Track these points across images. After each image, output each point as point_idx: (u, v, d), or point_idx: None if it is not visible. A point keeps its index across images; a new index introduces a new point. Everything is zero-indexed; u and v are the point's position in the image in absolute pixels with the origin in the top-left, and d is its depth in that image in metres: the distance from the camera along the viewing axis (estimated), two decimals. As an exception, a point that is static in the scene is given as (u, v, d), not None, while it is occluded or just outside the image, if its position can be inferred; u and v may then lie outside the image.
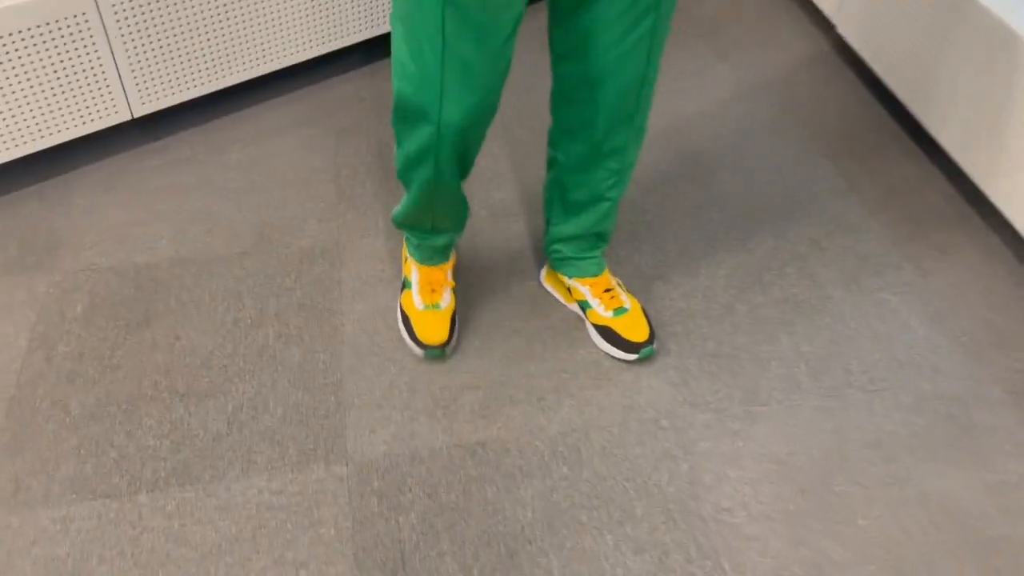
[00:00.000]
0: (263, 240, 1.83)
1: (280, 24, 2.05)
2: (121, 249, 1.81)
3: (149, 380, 1.57)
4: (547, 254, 1.63)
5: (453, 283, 1.62)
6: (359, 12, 2.15)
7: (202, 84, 2.02)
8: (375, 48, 2.30)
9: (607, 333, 1.56)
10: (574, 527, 1.34)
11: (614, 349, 1.55)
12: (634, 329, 1.55)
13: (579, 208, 1.48)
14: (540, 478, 1.41)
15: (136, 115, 1.97)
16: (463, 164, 1.35)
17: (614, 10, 1.17)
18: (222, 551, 1.33)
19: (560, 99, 1.35)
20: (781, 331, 1.63)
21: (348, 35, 2.17)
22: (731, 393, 1.52)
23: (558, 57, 1.30)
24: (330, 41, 2.15)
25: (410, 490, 1.39)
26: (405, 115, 1.28)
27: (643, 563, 1.30)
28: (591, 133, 1.34)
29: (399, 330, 1.62)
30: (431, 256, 1.59)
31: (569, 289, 1.61)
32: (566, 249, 1.57)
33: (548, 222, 1.56)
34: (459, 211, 1.50)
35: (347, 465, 1.43)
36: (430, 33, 1.12)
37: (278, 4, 2.01)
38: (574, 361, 1.58)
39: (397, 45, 1.21)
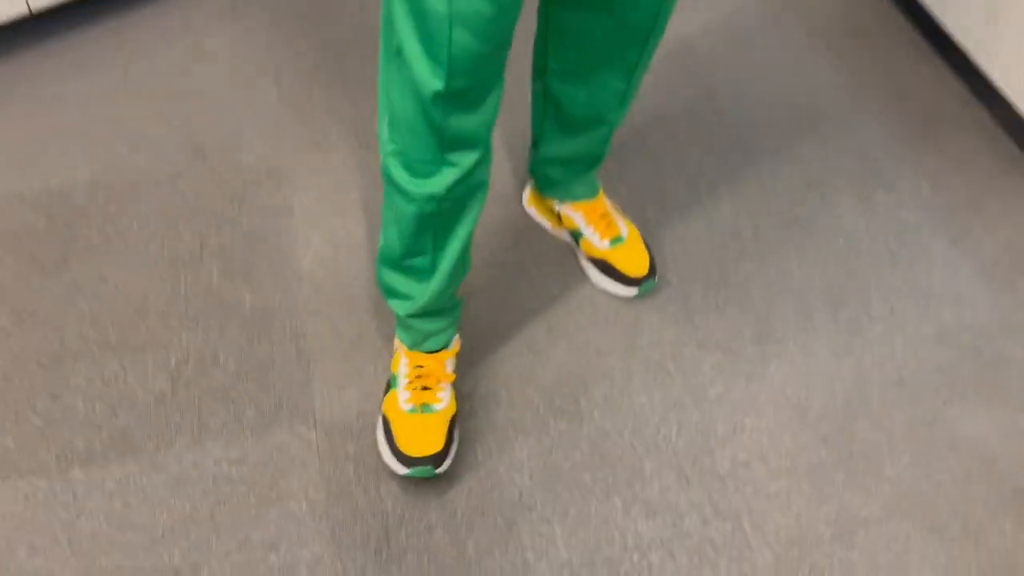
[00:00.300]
0: (197, 158, 1.58)
1: None
2: (26, 173, 1.54)
3: (73, 331, 1.35)
4: (531, 173, 1.43)
5: (453, 376, 1.24)
6: None
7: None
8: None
9: (603, 266, 1.38)
10: (577, 490, 1.20)
11: (612, 284, 1.38)
12: (633, 261, 1.37)
13: (575, 129, 1.26)
14: (536, 435, 1.25)
15: (35, 9, 1.66)
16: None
17: None
18: (176, 534, 1.15)
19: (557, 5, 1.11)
20: (792, 256, 1.47)
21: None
22: (741, 330, 1.38)
23: None
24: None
25: (390, 454, 1.22)
26: (398, 67, 0.97)
27: (656, 527, 1.17)
28: (595, 45, 1.12)
29: (375, 442, 1.22)
30: (424, 336, 1.21)
31: (559, 216, 1.42)
32: (556, 172, 1.37)
33: (536, 140, 1.35)
34: (478, 202, 1.12)
35: (315, 427, 1.25)
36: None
37: None
38: (566, 298, 1.41)
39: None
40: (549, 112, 1.26)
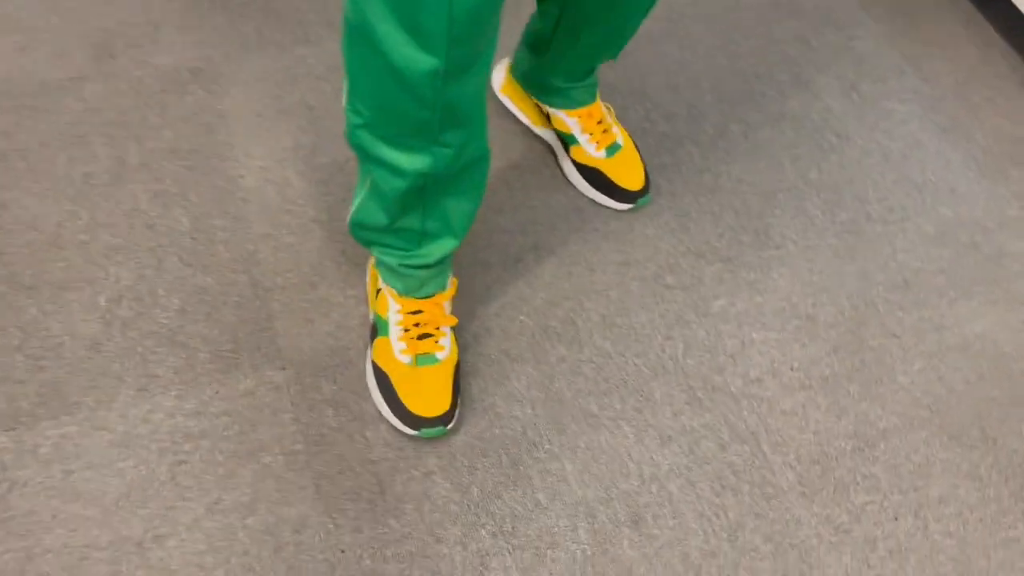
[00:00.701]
0: (104, 57, 1.34)
1: None
2: None
3: (-24, 271, 1.13)
4: (520, 74, 1.26)
5: (455, 320, 1.07)
6: None
7: None
8: None
9: (595, 176, 1.25)
10: (585, 421, 1.10)
11: (604, 197, 1.25)
12: (629, 172, 1.24)
13: (588, 50, 1.10)
14: (533, 363, 1.13)
15: None
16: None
17: None
18: (132, 501, 1.00)
19: None
20: (784, 155, 1.37)
21: None
22: (739, 236, 1.28)
23: None
24: None
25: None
26: (369, 35, 0.75)
27: (672, 455, 1.08)
28: None
29: (370, 397, 1.07)
30: (422, 283, 1.04)
31: (548, 116, 1.26)
32: (560, 79, 1.20)
33: (532, 50, 1.18)
34: (477, 183, 0.96)
35: (284, 368, 1.10)
36: None
37: None
38: (549, 208, 1.27)
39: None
40: (561, 35, 1.08)
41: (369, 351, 1.08)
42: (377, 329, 1.08)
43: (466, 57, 0.77)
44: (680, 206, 1.29)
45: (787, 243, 1.28)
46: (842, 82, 1.47)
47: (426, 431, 1.02)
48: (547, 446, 1.07)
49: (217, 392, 1.07)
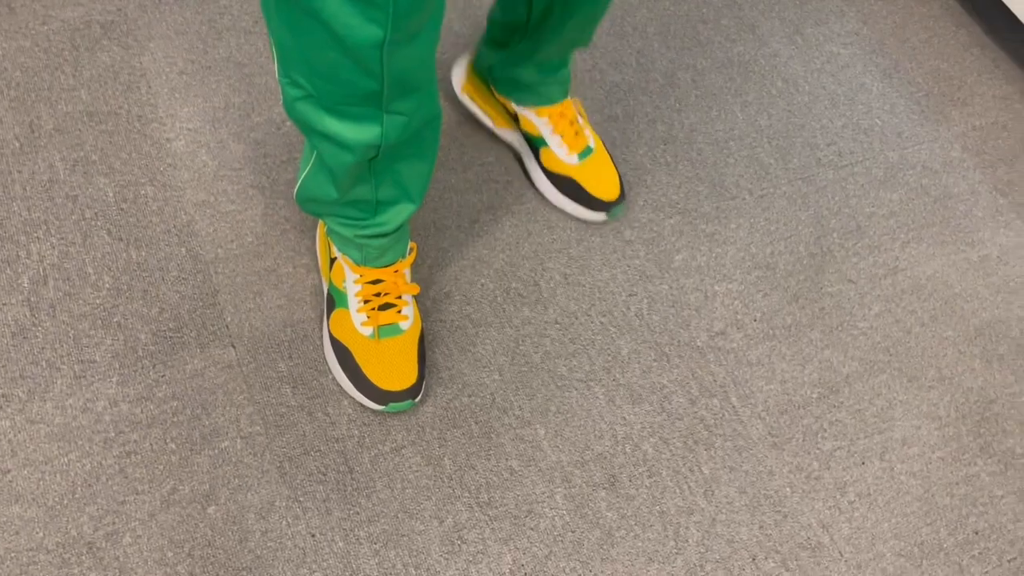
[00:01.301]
0: (4, 7, 1.21)
1: None
2: None
3: None
4: (483, 70, 1.15)
5: (417, 288, 1.01)
6: None
7: None
8: None
9: (567, 185, 1.16)
10: (554, 384, 1.07)
11: (577, 207, 1.16)
12: (602, 179, 1.16)
13: (565, 30, 1.00)
14: (497, 327, 1.09)
15: None
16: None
17: None
18: (78, 499, 0.92)
19: None
20: (734, 102, 1.35)
21: None
22: (695, 187, 1.25)
23: None
24: None
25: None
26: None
27: (644, 414, 1.07)
28: None
29: (330, 372, 1.02)
30: (380, 251, 0.98)
31: (515, 116, 1.17)
32: (529, 74, 1.09)
33: (502, 40, 1.07)
34: (429, 147, 0.89)
35: (234, 346, 1.03)
36: None
37: None
38: (503, 165, 1.22)
39: None
40: (534, 24, 0.99)
41: (326, 324, 1.02)
42: (334, 300, 1.02)
43: (414, 24, 0.70)
44: (635, 159, 1.26)
45: (742, 193, 1.27)
46: (786, 25, 1.45)
47: (394, 406, 0.97)
48: (517, 412, 1.04)
49: (162, 375, 1.00)
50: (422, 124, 0.83)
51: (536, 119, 1.14)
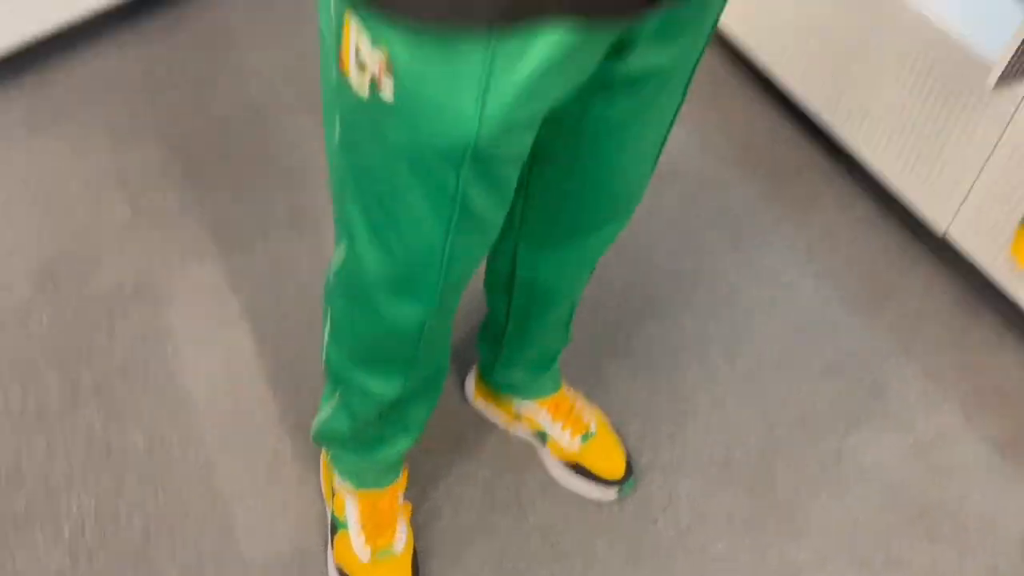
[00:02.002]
0: (49, 283, 1.42)
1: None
2: None
3: (-63, 515, 1.16)
4: (486, 377, 1.30)
5: (409, 507, 1.16)
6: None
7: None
8: (131, 11, 1.83)
9: (576, 468, 1.27)
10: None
11: (587, 486, 1.27)
12: (607, 459, 1.26)
13: (541, 332, 1.17)
14: (484, 537, 1.22)
15: None
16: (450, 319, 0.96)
17: (633, 104, 0.81)
18: None
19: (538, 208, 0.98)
20: (683, 312, 1.54)
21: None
22: (654, 395, 1.42)
23: (537, 161, 0.91)
24: (73, 5, 1.67)
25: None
26: (364, 300, 0.86)
27: (620, 613, 1.18)
28: (582, 236, 1.00)
29: None
30: (378, 476, 1.12)
31: (518, 415, 1.30)
32: (519, 374, 1.24)
33: (491, 344, 1.23)
34: (437, 391, 1.06)
35: (248, 574, 1.16)
36: (434, 201, 0.75)
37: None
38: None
39: (349, 218, 0.81)
40: (511, 329, 1.16)
41: (330, 551, 1.16)
42: (335, 525, 1.16)
43: (452, 304, 0.88)
44: (597, 371, 1.43)
45: (696, 395, 1.43)
46: (725, 236, 1.66)
47: None
48: (506, 620, 1.16)
49: (188, 608, 1.12)
50: (436, 372, 1.00)
51: (536, 413, 1.27)
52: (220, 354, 1.37)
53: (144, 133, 1.65)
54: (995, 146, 1.44)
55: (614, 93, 0.79)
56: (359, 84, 0.68)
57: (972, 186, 1.50)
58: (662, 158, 1.78)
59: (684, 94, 0.86)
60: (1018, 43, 1.27)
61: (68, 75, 1.71)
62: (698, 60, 0.82)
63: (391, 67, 0.65)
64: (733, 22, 1.92)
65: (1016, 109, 1.38)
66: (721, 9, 0.78)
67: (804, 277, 1.62)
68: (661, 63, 0.77)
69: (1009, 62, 1.29)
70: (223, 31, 1.85)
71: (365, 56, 0.65)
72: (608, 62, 0.74)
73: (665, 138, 0.91)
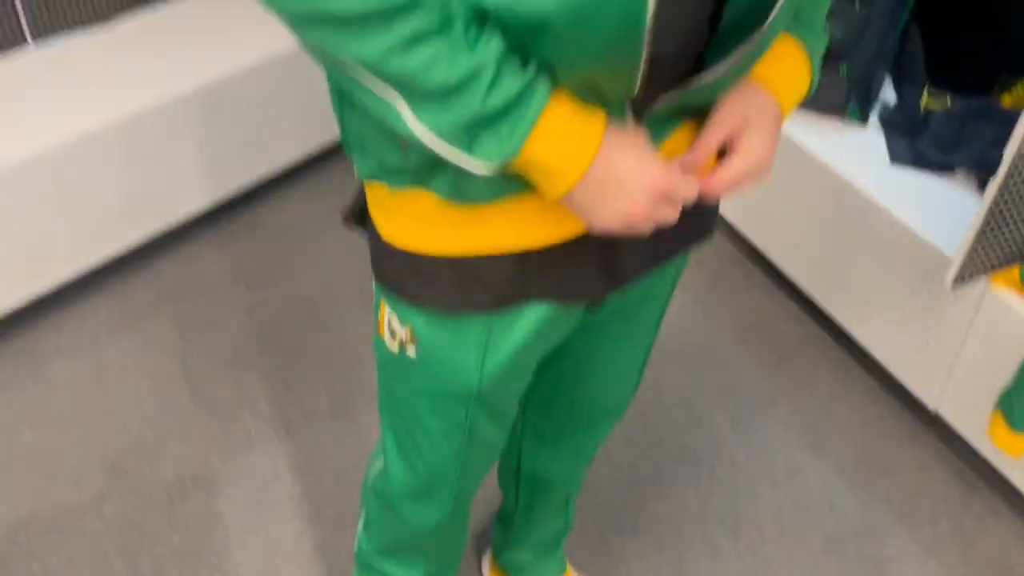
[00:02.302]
0: (118, 476, 1.61)
1: (97, 213, 1.83)
2: (-58, 522, 1.53)
3: None
4: (497, 556, 1.44)
5: None
6: (194, 181, 1.98)
7: (16, 292, 1.76)
8: (207, 216, 2.12)
9: None
10: None
11: None
12: None
13: (544, 517, 1.32)
14: None
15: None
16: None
17: (622, 331, 1.01)
18: None
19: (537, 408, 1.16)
20: (687, 490, 1.65)
21: (177, 208, 1.99)
22: (660, 569, 1.52)
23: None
24: (157, 220, 1.96)
25: None
26: (392, 506, 1.06)
27: None
28: (576, 435, 1.18)
29: None
30: None
31: None
32: (526, 555, 1.38)
33: (502, 526, 1.39)
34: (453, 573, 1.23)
35: None
36: (449, 431, 0.95)
37: (94, 190, 1.81)
38: (499, 566, 1.51)
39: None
40: (520, 518, 1.31)
41: None
42: None
43: (465, 506, 1.07)
44: (606, 548, 1.54)
45: (699, 570, 1.52)
46: (728, 415, 1.79)
47: None
48: None
49: None
50: (452, 558, 1.19)
51: None
52: (265, 539, 1.53)
53: (209, 328, 1.88)
54: (967, 330, 1.57)
55: (589, 331, 0.97)
56: (391, 344, 0.89)
57: (952, 368, 1.62)
58: (668, 336, 1.94)
59: (657, 327, 1.06)
60: (966, 248, 1.42)
61: (144, 278, 1.98)
62: (668, 298, 1.01)
63: (414, 336, 0.86)
64: (740, 219, 2.11)
65: (982, 296, 1.51)
66: (682, 264, 0.97)
67: (804, 453, 1.73)
68: (625, 309, 0.95)
69: (961, 265, 1.44)
70: (289, 230, 2.12)
71: (395, 327, 0.88)
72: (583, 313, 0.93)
73: (646, 357, 1.09)
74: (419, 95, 0.63)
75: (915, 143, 1.78)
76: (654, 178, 0.69)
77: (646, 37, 0.62)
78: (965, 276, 1.46)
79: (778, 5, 0.67)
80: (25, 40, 1.90)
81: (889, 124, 1.86)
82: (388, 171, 0.76)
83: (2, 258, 1.70)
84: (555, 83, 0.66)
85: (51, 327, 1.86)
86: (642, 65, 0.64)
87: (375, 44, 0.61)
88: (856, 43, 1.82)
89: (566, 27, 0.60)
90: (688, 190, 0.72)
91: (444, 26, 0.61)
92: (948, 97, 1.87)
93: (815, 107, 1.89)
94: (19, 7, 1.85)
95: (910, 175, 1.75)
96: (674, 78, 0.72)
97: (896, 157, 1.78)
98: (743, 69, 0.74)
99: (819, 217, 1.84)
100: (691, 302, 2.03)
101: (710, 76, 0.71)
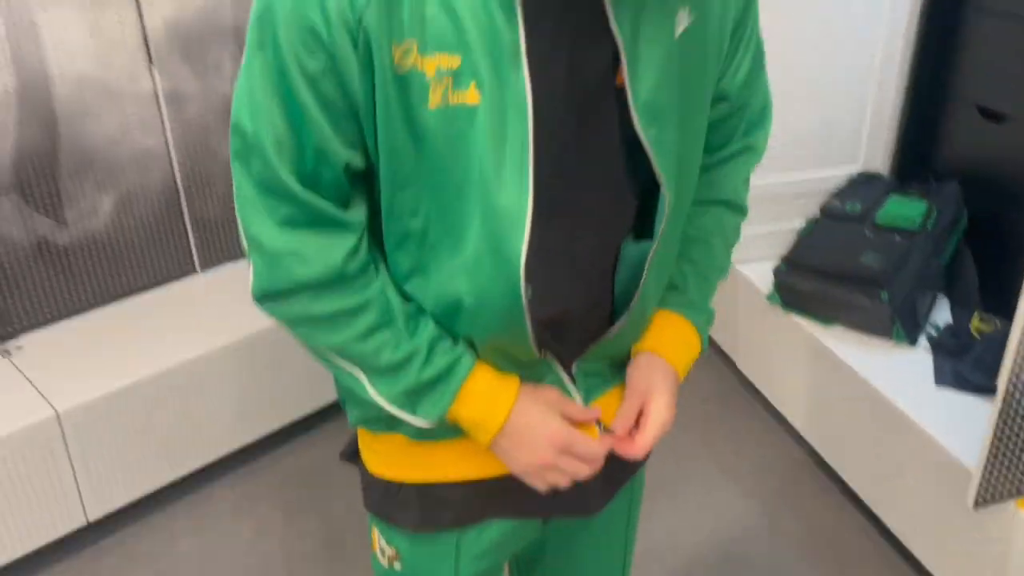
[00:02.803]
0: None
1: (225, 411, 2.19)
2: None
3: None
4: None
5: None
6: (299, 389, 2.32)
7: (154, 479, 2.11)
8: (313, 416, 2.44)
9: None
10: None
11: None
12: None
13: None
14: None
15: (91, 519, 2.03)
16: None
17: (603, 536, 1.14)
18: None
19: None
20: None
21: (287, 413, 2.32)
22: None
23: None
24: (271, 421, 2.29)
25: None
26: None
27: None
28: None
29: None
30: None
31: None
32: None
33: None
34: None
35: None
36: None
37: (225, 392, 2.17)
38: None
39: None
40: None
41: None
42: None
43: None
44: None
45: None
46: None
47: None
48: None
49: None
50: None
51: None
52: None
53: (309, 513, 2.14)
54: (1007, 552, 1.57)
55: (561, 535, 1.13)
56: (382, 559, 1.09)
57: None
58: (731, 543, 2.00)
59: (628, 529, 1.19)
60: (980, 470, 1.48)
61: (270, 465, 2.29)
62: (631, 504, 1.15)
63: (398, 554, 1.07)
64: (806, 426, 2.20)
65: (1013, 516, 1.53)
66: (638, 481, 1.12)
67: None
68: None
69: (979, 487, 1.49)
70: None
71: (383, 546, 1.09)
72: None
73: (626, 559, 1.22)
74: (374, 371, 0.87)
75: (958, 365, 1.86)
76: (552, 431, 0.88)
77: (526, 311, 0.84)
78: (987, 498, 1.50)
79: (640, 284, 0.89)
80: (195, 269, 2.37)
81: (938, 346, 1.94)
82: (369, 420, 0.99)
83: (147, 449, 2.06)
84: (478, 354, 0.88)
85: (183, 508, 2.19)
86: (530, 331, 0.86)
87: (341, 335, 0.85)
88: (896, 271, 1.95)
89: (473, 307, 0.85)
90: (587, 448, 0.89)
91: (390, 321, 0.86)
92: (996, 321, 1.94)
93: (864, 329, 2.01)
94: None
95: (956, 396, 1.81)
96: (588, 335, 0.94)
97: (940, 379, 1.85)
98: (640, 322, 0.94)
99: (871, 435, 1.92)
100: (759, 509, 2.09)
101: (614, 330, 0.92)
